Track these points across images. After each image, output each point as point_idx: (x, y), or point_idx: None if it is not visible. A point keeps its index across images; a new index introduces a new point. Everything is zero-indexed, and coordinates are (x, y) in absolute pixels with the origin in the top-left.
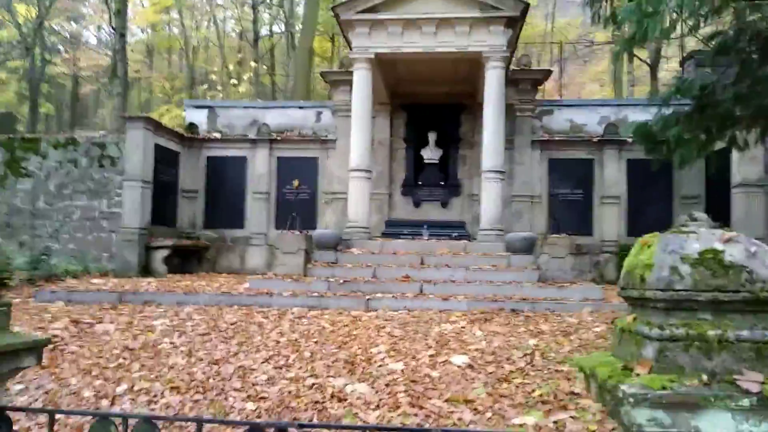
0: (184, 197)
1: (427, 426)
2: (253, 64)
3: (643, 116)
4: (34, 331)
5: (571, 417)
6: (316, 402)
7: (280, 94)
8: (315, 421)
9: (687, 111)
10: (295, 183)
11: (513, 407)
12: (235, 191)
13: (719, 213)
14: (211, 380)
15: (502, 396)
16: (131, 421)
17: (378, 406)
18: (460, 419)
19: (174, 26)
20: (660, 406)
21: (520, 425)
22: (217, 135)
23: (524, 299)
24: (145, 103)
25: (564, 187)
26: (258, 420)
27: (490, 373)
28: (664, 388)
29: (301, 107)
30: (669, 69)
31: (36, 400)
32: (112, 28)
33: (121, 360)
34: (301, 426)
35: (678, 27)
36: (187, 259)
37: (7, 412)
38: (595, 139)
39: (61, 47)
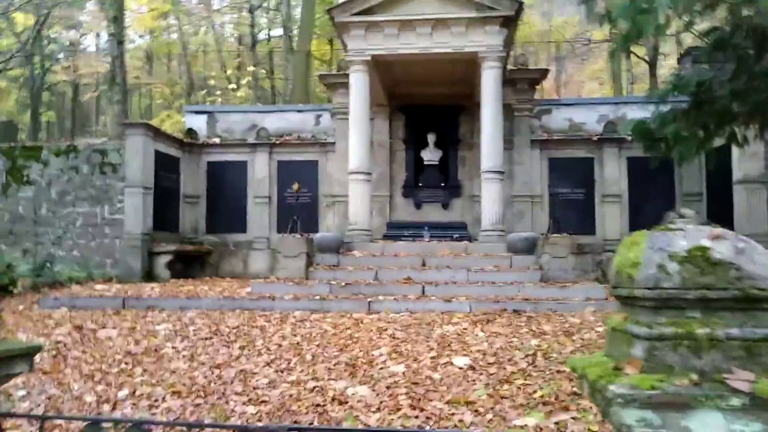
0: (185, 202)
1: (427, 428)
2: (251, 68)
3: (641, 114)
4: (37, 337)
5: (572, 418)
6: (317, 405)
7: (279, 98)
8: (316, 424)
9: (684, 108)
10: (295, 186)
11: (514, 408)
12: (236, 196)
13: (721, 209)
14: (212, 384)
15: (503, 397)
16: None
17: (379, 409)
18: (460, 421)
19: (172, 32)
20: (649, 407)
21: (521, 426)
22: (217, 140)
23: (526, 300)
24: (146, 110)
25: (564, 187)
26: (248, 424)
27: (492, 374)
28: (653, 388)
29: (299, 111)
30: (668, 66)
31: (38, 405)
32: (110, 34)
33: (123, 365)
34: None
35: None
36: (190, 265)
37: None
38: (594, 138)
39: (60, 55)
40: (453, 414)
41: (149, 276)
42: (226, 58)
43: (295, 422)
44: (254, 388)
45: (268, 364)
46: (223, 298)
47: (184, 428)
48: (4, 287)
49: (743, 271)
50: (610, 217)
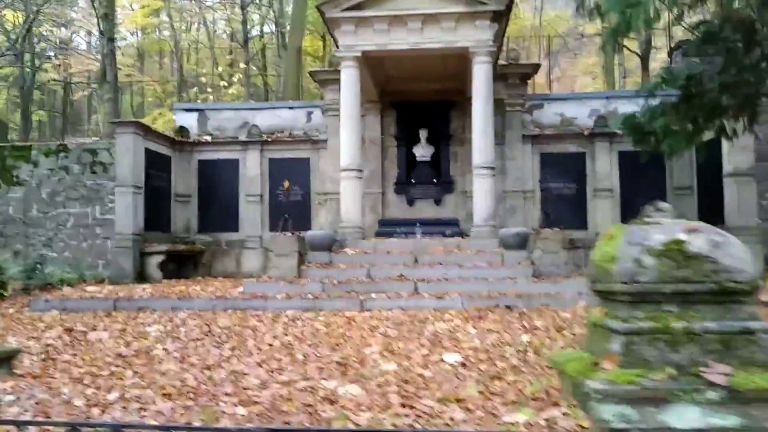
0: (177, 202)
1: (418, 427)
2: (242, 65)
3: (632, 108)
4: (27, 340)
5: (563, 413)
6: (308, 405)
7: (272, 95)
8: (306, 424)
9: (673, 101)
10: (286, 184)
11: (504, 405)
12: (228, 194)
13: (712, 203)
14: (203, 386)
15: (494, 394)
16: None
17: (369, 408)
18: (451, 418)
19: (164, 29)
20: (626, 401)
21: (511, 423)
22: (208, 138)
23: (518, 295)
24: (138, 108)
25: (556, 181)
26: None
27: (483, 371)
28: (630, 382)
29: (291, 108)
30: (660, 60)
31: (26, 411)
32: (100, 32)
33: (113, 368)
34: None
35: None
36: (183, 264)
37: None
38: (585, 132)
39: (51, 53)
40: (443, 411)
41: (141, 277)
42: (218, 55)
43: (286, 422)
44: (245, 389)
45: (259, 364)
46: (215, 298)
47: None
48: None
49: (719, 264)
50: (602, 212)
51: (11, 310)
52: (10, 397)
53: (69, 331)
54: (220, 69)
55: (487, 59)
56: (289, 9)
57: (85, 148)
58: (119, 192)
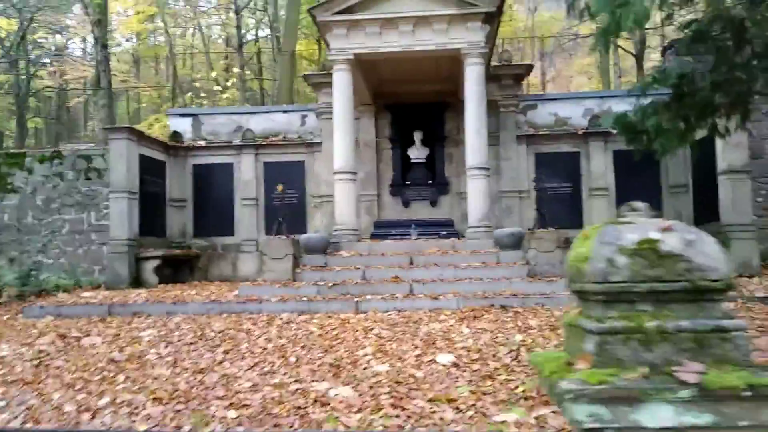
0: (172, 206)
1: (408, 427)
2: (236, 70)
3: (626, 107)
4: (20, 347)
5: (553, 412)
6: (299, 407)
7: (269, 99)
8: (296, 426)
9: (665, 100)
10: (279, 187)
11: (495, 404)
12: (223, 198)
13: (707, 200)
14: (194, 390)
15: (485, 393)
16: None
17: (360, 409)
18: (441, 419)
19: (159, 34)
20: (599, 401)
21: (501, 422)
22: (202, 143)
23: (514, 295)
24: (134, 113)
25: (552, 181)
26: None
27: (475, 370)
28: (602, 382)
29: (285, 111)
30: (655, 59)
31: (16, 417)
32: (95, 38)
33: (105, 373)
34: None
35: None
36: (179, 269)
37: None
38: (580, 132)
39: (47, 60)
40: (434, 412)
41: (137, 282)
42: (213, 60)
43: (276, 425)
44: (236, 392)
45: (251, 367)
46: (209, 302)
47: None
48: None
49: (693, 263)
50: (598, 211)
51: (5, 317)
52: (1, 403)
53: (62, 337)
54: (214, 74)
55: (479, 60)
56: (283, 13)
57: (80, 155)
58: (114, 198)
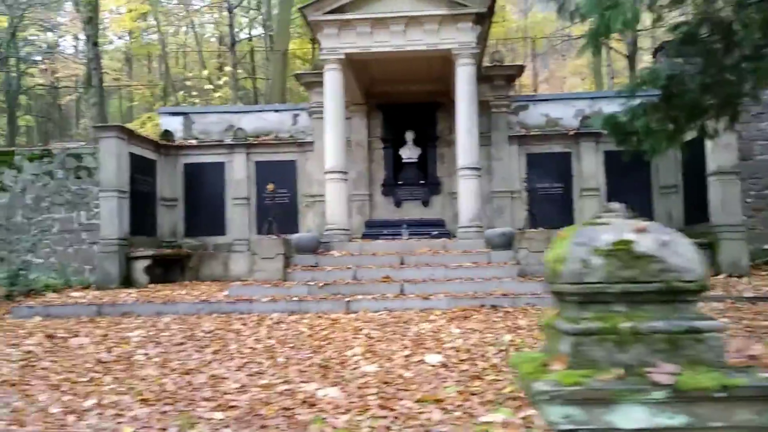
0: (163, 206)
1: (395, 428)
2: (228, 68)
3: (617, 108)
4: (7, 347)
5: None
6: (286, 408)
7: (262, 98)
8: (283, 427)
9: (654, 101)
10: (270, 186)
11: (483, 405)
12: (215, 198)
13: (697, 201)
14: (181, 390)
15: (473, 394)
16: None
17: (347, 410)
18: (428, 419)
19: (152, 32)
20: (573, 403)
21: (488, 422)
22: (194, 141)
23: (504, 295)
24: (127, 112)
25: (543, 181)
26: None
27: (463, 371)
28: (576, 383)
29: (277, 110)
30: (647, 60)
31: (0, 419)
32: (86, 36)
33: (92, 374)
34: None
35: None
36: (170, 269)
37: None
38: (571, 133)
39: (38, 57)
40: (421, 413)
41: (127, 281)
42: (206, 59)
43: (263, 426)
44: (224, 393)
45: (240, 368)
46: (199, 302)
47: None
48: None
49: (666, 264)
50: (589, 211)
51: None
52: None
53: (50, 337)
54: (206, 72)
55: (470, 61)
56: (277, 12)
57: (69, 153)
58: (103, 197)
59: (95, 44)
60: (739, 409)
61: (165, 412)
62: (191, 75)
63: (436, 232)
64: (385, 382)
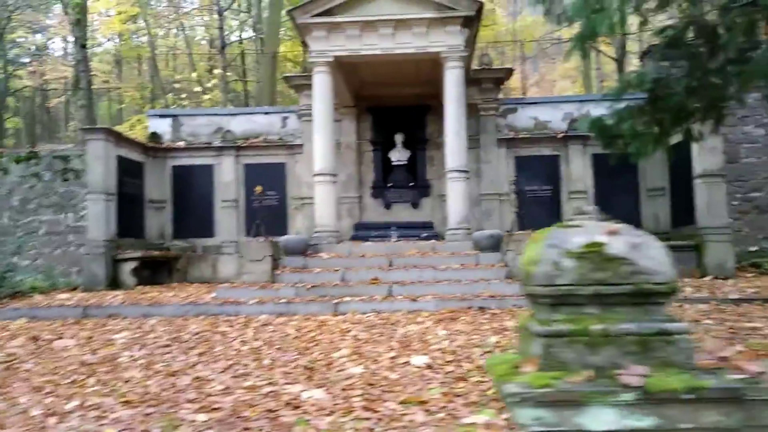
0: (150, 208)
1: (378, 430)
2: (217, 71)
3: (604, 111)
4: None
5: None
6: (270, 410)
7: (252, 101)
8: (266, 429)
9: (640, 104)
10: (258, 189)
11: (466, 406)
12: (203, 200)
13: (684, 203)
14: (165, 392)
15: (457, 395)
16: None
17: (331, 412)
18: (411, 421)
19: (142, 35)
20: (543, 405)
21: (471, 424)
22: (182, 144)
23: (492, 296)
24: (116, 114)
25: (531, 184)
26: None
27: (448, 372)
28: (545, 386)
29: (266, 113)
30: (635, 64)
31: None
32: (75, 38)
33: (76, 376)
34: None
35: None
36: (158, 271)
37: None
38: (559, 136)
39: (27, 59)
40: (405, 414)
41: (114, 283)
42: (196, 61)
43: (246, 429)
44: (208, 395)
45: (225, 370)
46: (186, 304)
47: None
48: None
49: (637, 266)
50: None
51: None
52: None
53: (34, 339)
54: (194, 75)
55: (458, 64)
56: (266, 14)
57: (56, 155)
58: (91, 199)
59: (83, 46)
60: (707, 411)
61: (148, 414)
62: (181, 77)
63: (425, 234)
64: (370, 384)
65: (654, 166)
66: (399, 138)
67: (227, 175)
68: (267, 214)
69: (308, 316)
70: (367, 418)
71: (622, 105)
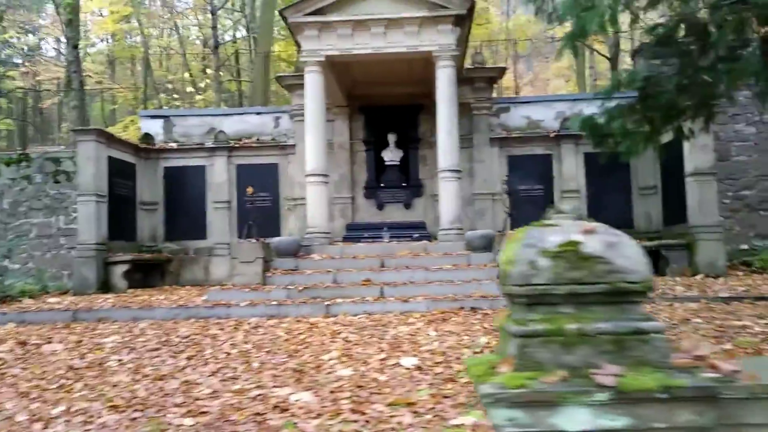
0: (142, 210)
1: None
2: (209, 71)
3: (596, 110)
4: None
5: None
6: (258, 414)
7: (246, 101)
8: None
9: (631, 103)
10: (249, 190)
11: (455, 407)
12: (196, 201)
13: (675, 202)
14: (153, 397)
15: (446, 397)
16: None
17: (319, 415)
18: (399, 423)
19: (135, 35)
20: (517, 405)
21: (458, 425)
22: (174, 145)
23: (483, 297)
24: (110, 115)
25: (524, 183)
26: None
27: (438, 373)
28: (520, 386)
29: (259, 113)
30: (628, 62)
31: None
32: (67, 38)
33: (63, 381)
34: None
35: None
36: (149, 273)
37: None
38: (551, 135)
39: (19, 60)
40: (393, 416)
41: (106, 287)
42: (190, 61)
43: None
44: (195, 399)
45: (213, 373)
46: (177, 308)
47: None
48: None
49: (613, 265)
50: None
51: None
52: None
53: (22, 344)
54: (187, 75)
55: (450, 63)
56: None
57: (48, 157)
58: (81, 201)
59: (75, 47)
60: (680, 410)
61: (135, 418)
62: (174, 78)
63: (417, 235)
64: (359, 386)
65: (646, 164)
66: (392, 138)
67: (219, 176)
68: (259, 215)
69: (299, 318)
70: (355, 421)
71: (612, 104)
